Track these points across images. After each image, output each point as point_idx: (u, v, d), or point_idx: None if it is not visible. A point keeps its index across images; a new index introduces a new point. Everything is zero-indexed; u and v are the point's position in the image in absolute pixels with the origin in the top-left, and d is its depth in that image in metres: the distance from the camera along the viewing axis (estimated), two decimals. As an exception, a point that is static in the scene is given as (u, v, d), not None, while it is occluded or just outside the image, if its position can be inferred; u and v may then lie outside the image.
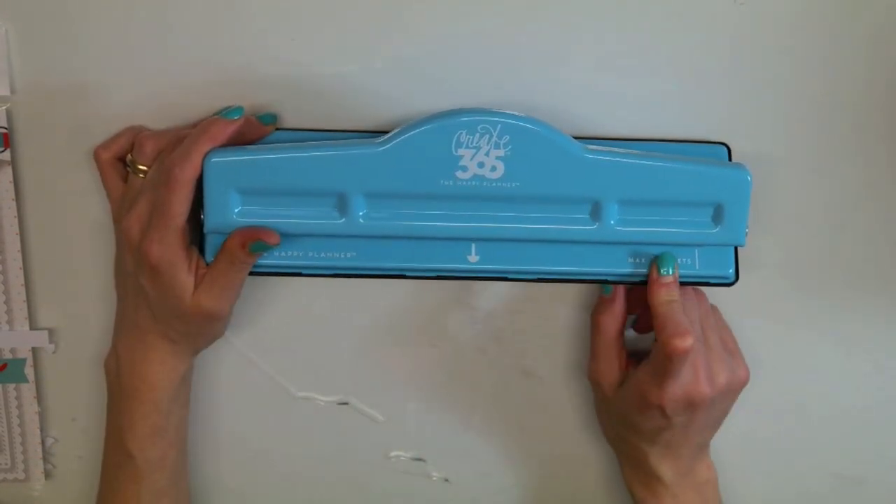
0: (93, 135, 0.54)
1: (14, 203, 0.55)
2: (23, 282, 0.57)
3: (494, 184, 0.51)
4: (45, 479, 0.63)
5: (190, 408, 0.59)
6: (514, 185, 0.51)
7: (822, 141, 0.56)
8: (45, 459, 0.63)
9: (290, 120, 0.55)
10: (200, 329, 0.54)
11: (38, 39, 0.52)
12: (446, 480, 0.64)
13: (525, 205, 0.52)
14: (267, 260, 0.54)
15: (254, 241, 0.51)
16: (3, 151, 0.54)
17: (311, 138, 0.53)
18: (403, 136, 0.50)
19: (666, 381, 0.52)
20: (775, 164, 0.56)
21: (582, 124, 0.55)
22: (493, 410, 0.63)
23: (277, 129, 0.54)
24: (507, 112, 0.50)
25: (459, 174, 0.51)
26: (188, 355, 0.56)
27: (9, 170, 0.55)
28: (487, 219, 0.53)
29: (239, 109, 0.52)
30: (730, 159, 0.56)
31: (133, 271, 0.52)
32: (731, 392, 0.56)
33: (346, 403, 0.62)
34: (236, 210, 0.52)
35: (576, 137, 0.52)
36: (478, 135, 0.50)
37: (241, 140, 0.52)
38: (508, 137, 0.50)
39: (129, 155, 0.53)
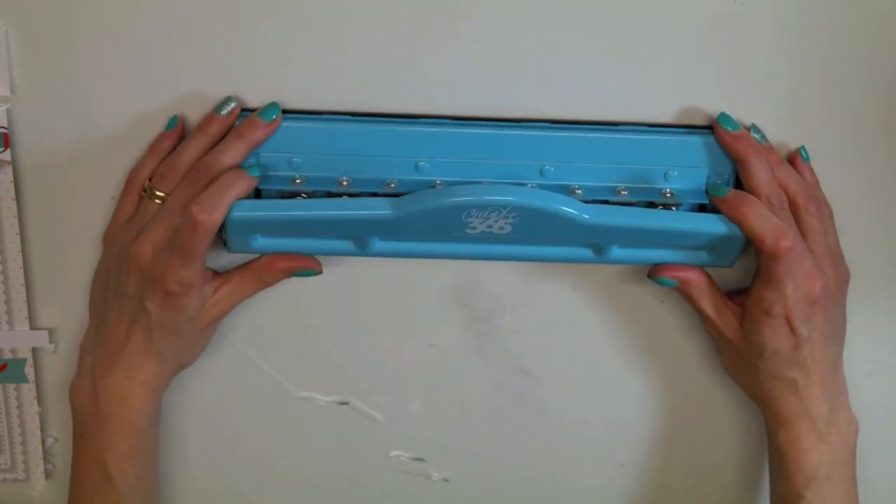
0: (92, 135, 0.54)
1: (14, 203, 0.55)
2: (23, 282, 0.57)
3: (502, 236, 0.53)
4: (45, 479, 0.63)
5: (189, 408, 0.59)
6: (520, 236, 0.53)
7: (823, 140, 0.56)
8: (45, 459, 0.63)
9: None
10: (196, 341, 0.56)
11: (38, 39, 0.52)
12: (446, 480, 0.64)
13: (530, 246, 0.55)
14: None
15: (300, 270, 0.55)
16: (3, 151, 0.54)
17: (318, 141, 0.53)
18: (415, 209, 0.51)
19: (782, 286, 0.53)
20: (775, 164, 0.56)
21: (581, 124, 0.55)
22: (493, 410, 0.63)
23: (285, 111, 0.53)
24: (517, 188, 0.52)
25: (469, 231, 0.53)
26: (169, 376, 0.56)
27: (9, 170, 0.55)
28: (494, 251, 0.55)
29: (257, 168, 0.52)
30: None
31: (136, 294, 0.53)
32: (840, 283, 0.56)
33: (346, 403, 0.62)
34: (258, 244, 0.54)
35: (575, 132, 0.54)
36: (487, 211, 0.51)
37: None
38: (517, 213, 0.51)
39: (148, 181, 0.53)
